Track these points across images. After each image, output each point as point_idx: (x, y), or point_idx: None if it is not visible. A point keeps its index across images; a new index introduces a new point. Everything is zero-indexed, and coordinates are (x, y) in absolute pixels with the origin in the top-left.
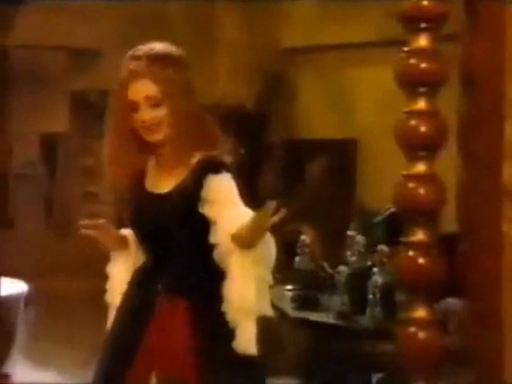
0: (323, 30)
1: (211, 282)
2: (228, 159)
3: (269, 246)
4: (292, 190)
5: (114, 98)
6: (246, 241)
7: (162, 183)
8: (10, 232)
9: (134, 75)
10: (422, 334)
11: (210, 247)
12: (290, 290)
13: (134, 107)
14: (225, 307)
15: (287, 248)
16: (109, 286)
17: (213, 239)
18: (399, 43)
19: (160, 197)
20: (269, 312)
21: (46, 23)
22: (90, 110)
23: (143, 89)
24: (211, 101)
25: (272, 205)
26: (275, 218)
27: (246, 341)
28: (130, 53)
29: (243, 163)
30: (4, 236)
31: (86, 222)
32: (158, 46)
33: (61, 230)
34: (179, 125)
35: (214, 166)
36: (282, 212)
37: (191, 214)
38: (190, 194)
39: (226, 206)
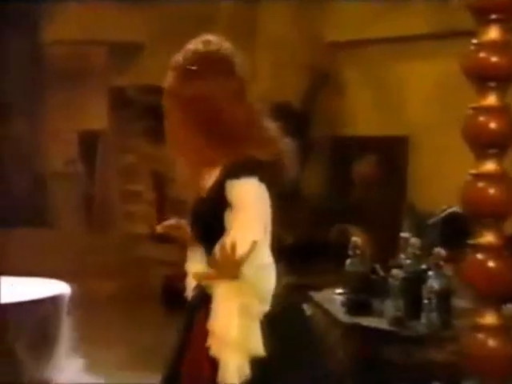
0: (370, 23)
1: None
2: (263, 158)
3: (262, 274)
4: (338, 190)
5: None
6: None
7: (205, 187)
8: (50, 232)
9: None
10: (491, 342)
11: None
12: (340, 294)
13: None
14: (208, 340)
15: (337, 249)
16: (187, 282)
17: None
18: (450, 36)
19: (199, 201)
20: (258, 349)
21: (86, 17)
22: (129, 106)
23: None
24: (254, 98)
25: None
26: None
27: (228, 376)
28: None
29: None
30: (44, 236)
31: (166, 223)
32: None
33: (101, 230)
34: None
35: (234, 171)
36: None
37: (221, 217)
38: (216, 200)
39: (235, 216)
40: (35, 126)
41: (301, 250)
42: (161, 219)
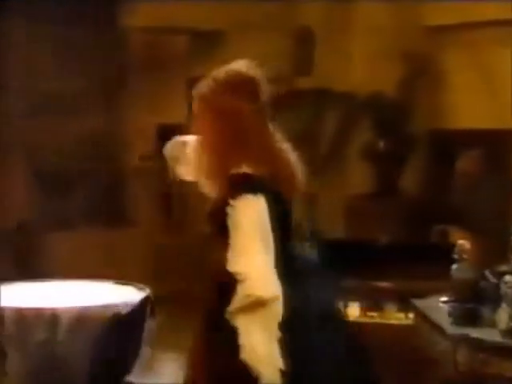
0: (475, 5)
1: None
2: (260, 173)
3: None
4: (439, 188)
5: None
6: None
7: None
8: (128, 231)
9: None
10: None
11: None
12: (446, 302)
13: None
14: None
15: (437, 252)
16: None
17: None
18: None
19: (213, 202)
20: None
21: (168, 3)
22: None
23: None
24: (347, 88)
25: None
26: None
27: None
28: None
29: (383, 157)
30: (122, 236)
31: None
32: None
33: (179, 229)
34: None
35: (235, 188)
36: None
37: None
38: (220, 215)
39: (232, 235)
40: (114, 119)
41: (397, 251)
42: None
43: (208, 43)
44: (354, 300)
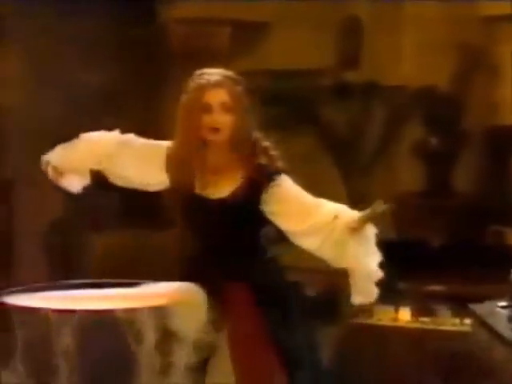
0: None
1: (260, 263)
2: (281, 164)
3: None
4: (495, 187)
5: (188, 101)
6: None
7: (213, 189)
8: (167, 232)
9: (213, 84)
10: None
11: (258, 233)
12: (505, 307)
13: (207, 108)
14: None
15: (493, 255)
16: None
17: (284, 225)
18: None
19: (216, 202)
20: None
21: None
22: (251, 94)
23: (219, 95)
24: (396, 82)
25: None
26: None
27: (370, 295)
28: (200, 71)
29: (434, 154)
30: (160, 236)
31: None
32: (226, 71)
33: None
34: (240, 132)
35: (269, 176)
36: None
37: (250, 216)
38: (249, 201)
39: (291, 203)
40: (153, 116)
41: (450, 253)
42: None
43: (251, 35)
44: (404, 304)
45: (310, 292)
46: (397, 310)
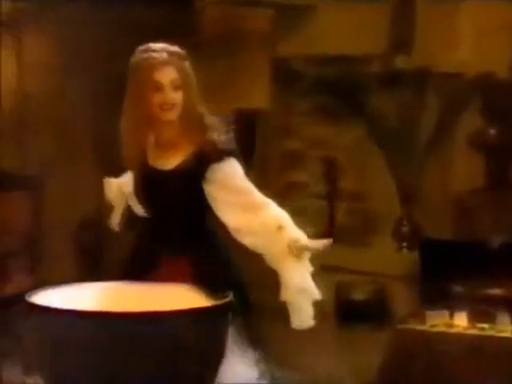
0: None
1: (206, 240)
2: (232, 145)
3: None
4: None
5: (137, 79)
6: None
7: (164, 160)
8: None
9: (160, 62)
10: None
11: (203, 211)
12: None
13: (158, 87)
14: (284, 293)
15: None
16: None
17: (224, 217)
18: None
19: (164, 173)
20: (317, 295)
21: None
22: (295, 80)
23: (168, 73)
24: (452, 68)
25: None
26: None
27: (307, 318)
28: (144, 47)
29: (494, 146)
30: None
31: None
32: (171, 46)
33: None
34: (190, 108)
35: (217, 153)
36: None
37: (193, 190)
38: (194, 174)
39: (233, 192)
40: None
41: (510, 255)
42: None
43: (295, 18)
44: (461, 309)
45: (359, 295)
46: (452, 315)
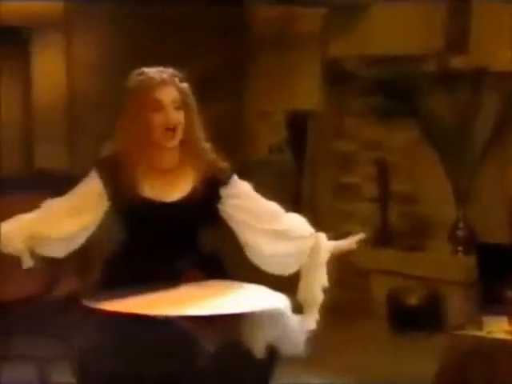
0: None
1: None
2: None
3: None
4: None
5: (136, 100)
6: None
7: (166, 191)
8: None
9: (161, 81)
10: None
11: (198, 233)
12: None
13: (159, 107)
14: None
15: None
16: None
17: (247, 236)
18: None
19: (168, 205)
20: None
21: None
22: (348, 81)
23: (170, 92)
24: (509, 68)
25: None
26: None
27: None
28: (140, 71)
29: None
30: None
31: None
32: (168, 69)
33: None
34: (191, 131)
35: (225, 173)
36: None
37: (207, 215)
38: (210, 198)
39: (256, 202)
40: (238, 104)
41: None
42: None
43: (348, 17)
44: None
45: (412, 300)
46: (510, 321)
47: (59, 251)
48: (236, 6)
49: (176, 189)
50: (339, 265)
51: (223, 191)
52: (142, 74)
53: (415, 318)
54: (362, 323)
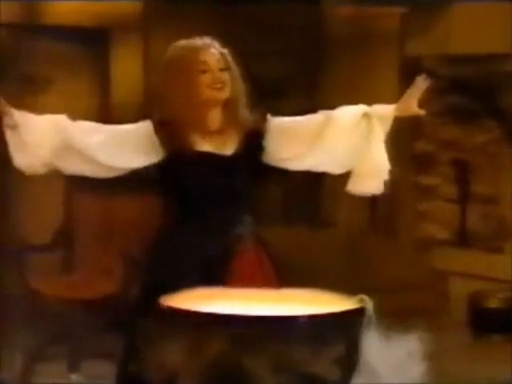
0: None
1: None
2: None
3: None
4: None
5: (182, 63)
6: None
7: (219, 145)
8: (326, 232)
9: (205, 45)
10: None
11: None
12: None
13: (205, 68)
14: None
15: None
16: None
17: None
18: None
19: (225, 158)
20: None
21: None
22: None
23: (214, 54)
24: None
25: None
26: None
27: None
28: (180, 41)
29: None
30: (319, 236)
31: None
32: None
33: (387, 233)
34: (236, 91)
35: (264, 122)
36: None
37: (255, 168)
38: (255, 153)
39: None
40: (314, 106)
41: None
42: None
43: (428, 16)
44: None
45: (494, 304)
46: None
47: (79, 171)
48: (313, 4)
49: (225, 146)
50: (418, 267)
51: (267, 134)
52: (183, 42)
53: (497, 321)
54: (440, 326)
